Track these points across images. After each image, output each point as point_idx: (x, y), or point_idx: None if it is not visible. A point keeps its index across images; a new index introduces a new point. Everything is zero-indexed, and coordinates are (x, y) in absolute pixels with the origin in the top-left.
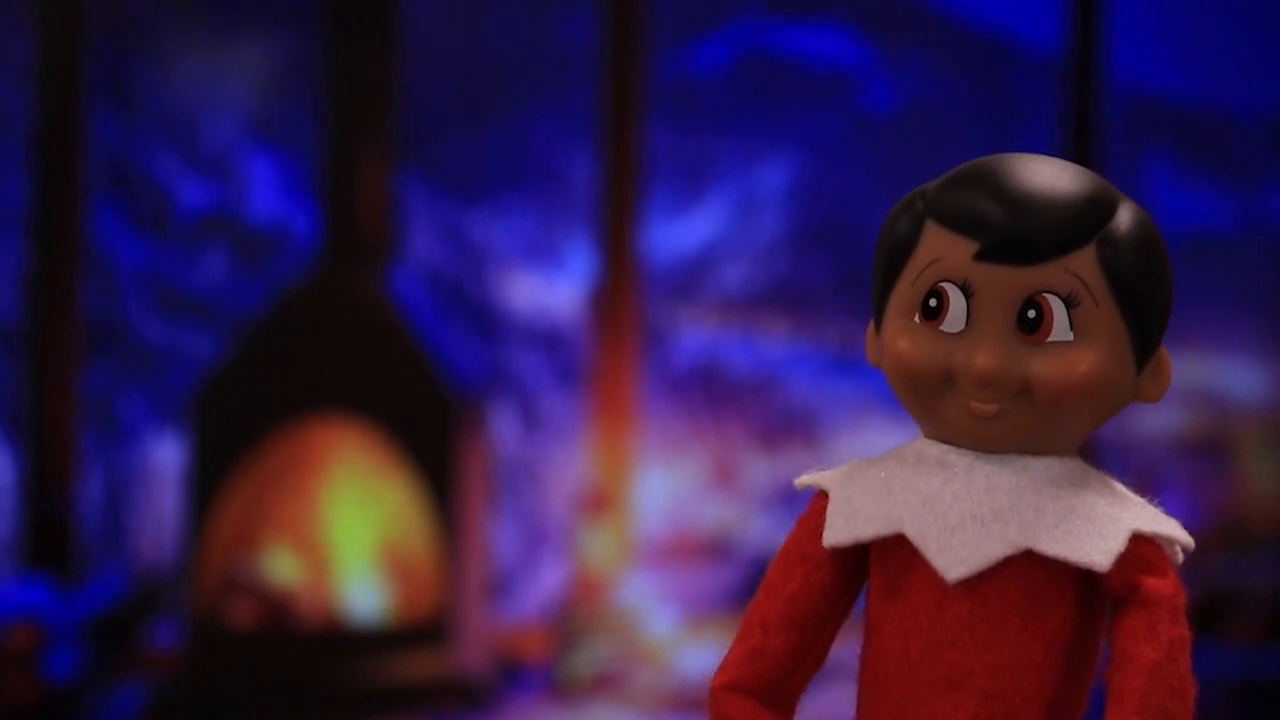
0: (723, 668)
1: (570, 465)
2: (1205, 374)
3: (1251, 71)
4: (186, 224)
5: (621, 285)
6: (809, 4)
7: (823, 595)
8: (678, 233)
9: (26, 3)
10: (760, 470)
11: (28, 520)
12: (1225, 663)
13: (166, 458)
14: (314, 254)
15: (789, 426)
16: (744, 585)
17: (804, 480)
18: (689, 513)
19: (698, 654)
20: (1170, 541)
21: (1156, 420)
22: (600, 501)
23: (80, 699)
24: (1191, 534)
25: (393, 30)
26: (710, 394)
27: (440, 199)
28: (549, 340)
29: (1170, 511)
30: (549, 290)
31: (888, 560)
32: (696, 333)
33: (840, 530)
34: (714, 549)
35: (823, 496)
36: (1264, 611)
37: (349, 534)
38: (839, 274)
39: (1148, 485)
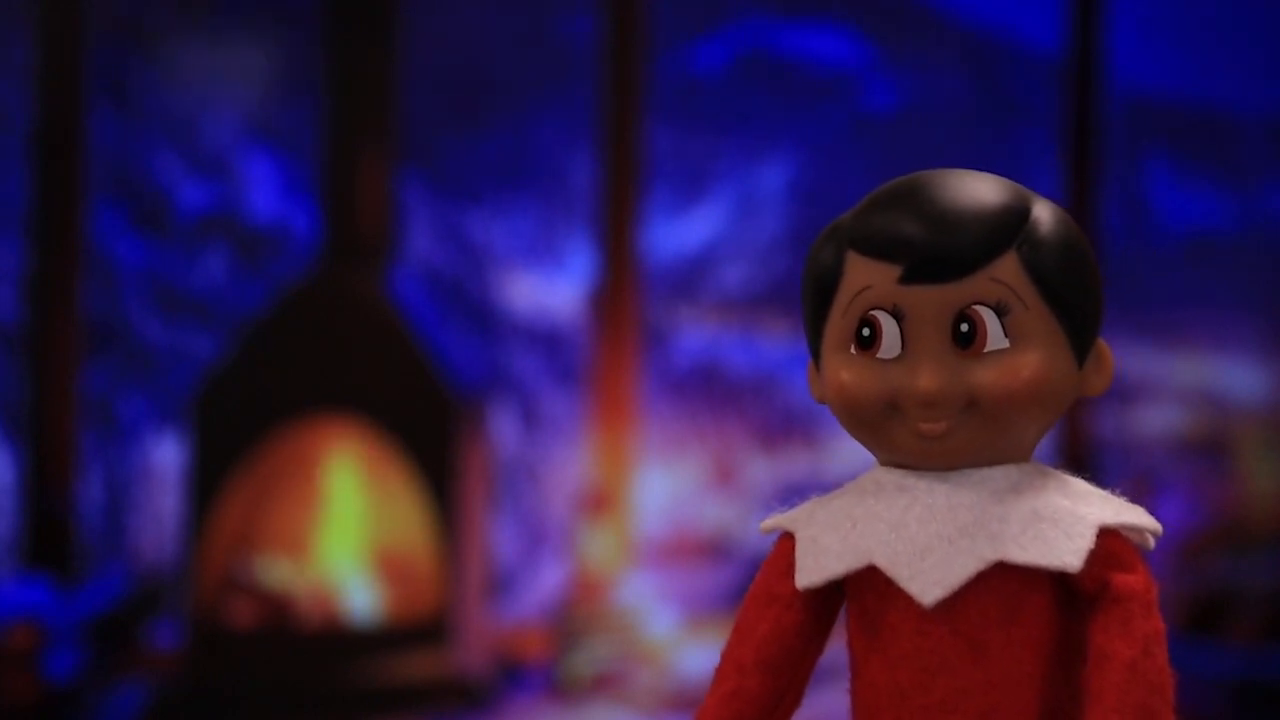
0: (701, 713)
1: (570, 465)
2: (1205, 374)
3: (1251, 71)
4: (186, 224)
5: (621, 285)
6: (809, 4)
7: (796, 635)
8: (678, 233)
9: (26, 3)
10: (760, 470)
11: (28, 520)
12: (1225, 663)
13: (166, 458)
14: (314, 254)
15: (789, 426)
16: (744, 585)
17: (767, 524)
18: (689, 513)
19: (698, 654)
20: (1139, 530)
21: (1156, 420)
22: (600, 501)
23: (80, 699)
24: (1191, 534)
25: (393, 30)
26: (710, 394)
27: (440, 199)
28: (549, 340)
29: (1170, 511)
30: (549, 290)
31: (862, 592)
32: (696, 333)
33: (811, 571)
34: (714, 549)
35: (788, 538)
36: (1264, 611)
37: (349, 534)
38: None
39: (1148, 485)
